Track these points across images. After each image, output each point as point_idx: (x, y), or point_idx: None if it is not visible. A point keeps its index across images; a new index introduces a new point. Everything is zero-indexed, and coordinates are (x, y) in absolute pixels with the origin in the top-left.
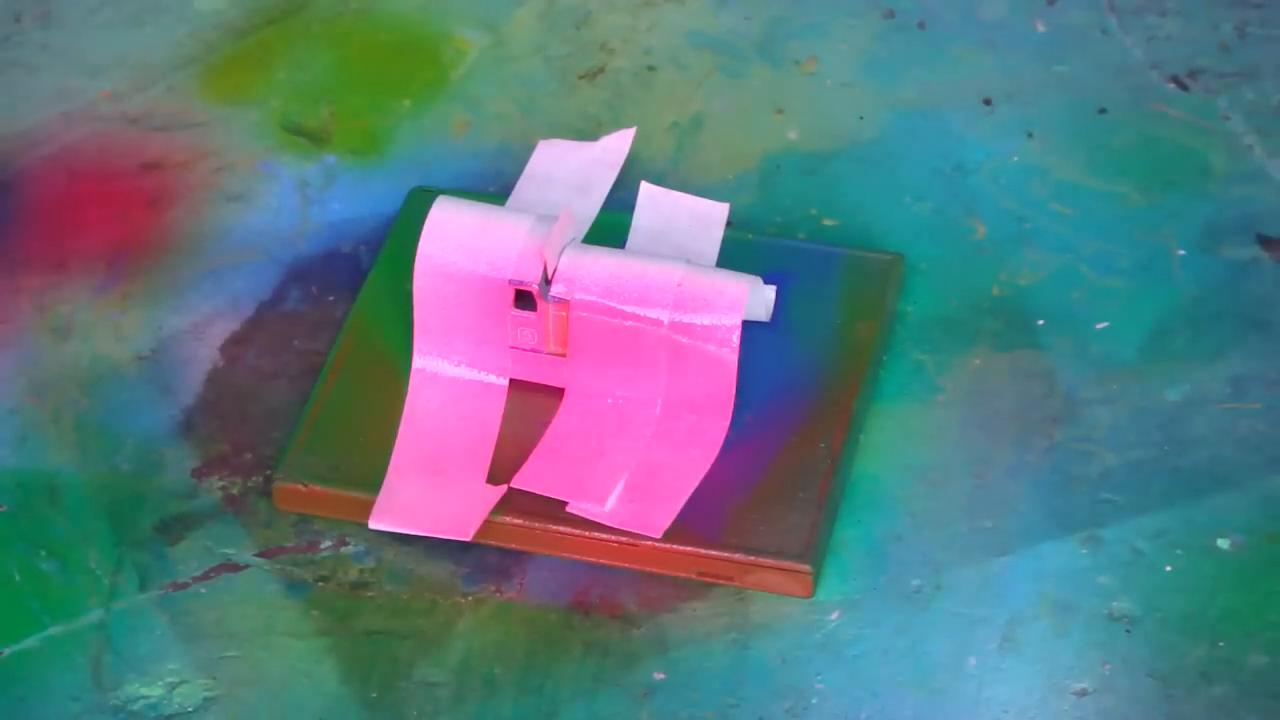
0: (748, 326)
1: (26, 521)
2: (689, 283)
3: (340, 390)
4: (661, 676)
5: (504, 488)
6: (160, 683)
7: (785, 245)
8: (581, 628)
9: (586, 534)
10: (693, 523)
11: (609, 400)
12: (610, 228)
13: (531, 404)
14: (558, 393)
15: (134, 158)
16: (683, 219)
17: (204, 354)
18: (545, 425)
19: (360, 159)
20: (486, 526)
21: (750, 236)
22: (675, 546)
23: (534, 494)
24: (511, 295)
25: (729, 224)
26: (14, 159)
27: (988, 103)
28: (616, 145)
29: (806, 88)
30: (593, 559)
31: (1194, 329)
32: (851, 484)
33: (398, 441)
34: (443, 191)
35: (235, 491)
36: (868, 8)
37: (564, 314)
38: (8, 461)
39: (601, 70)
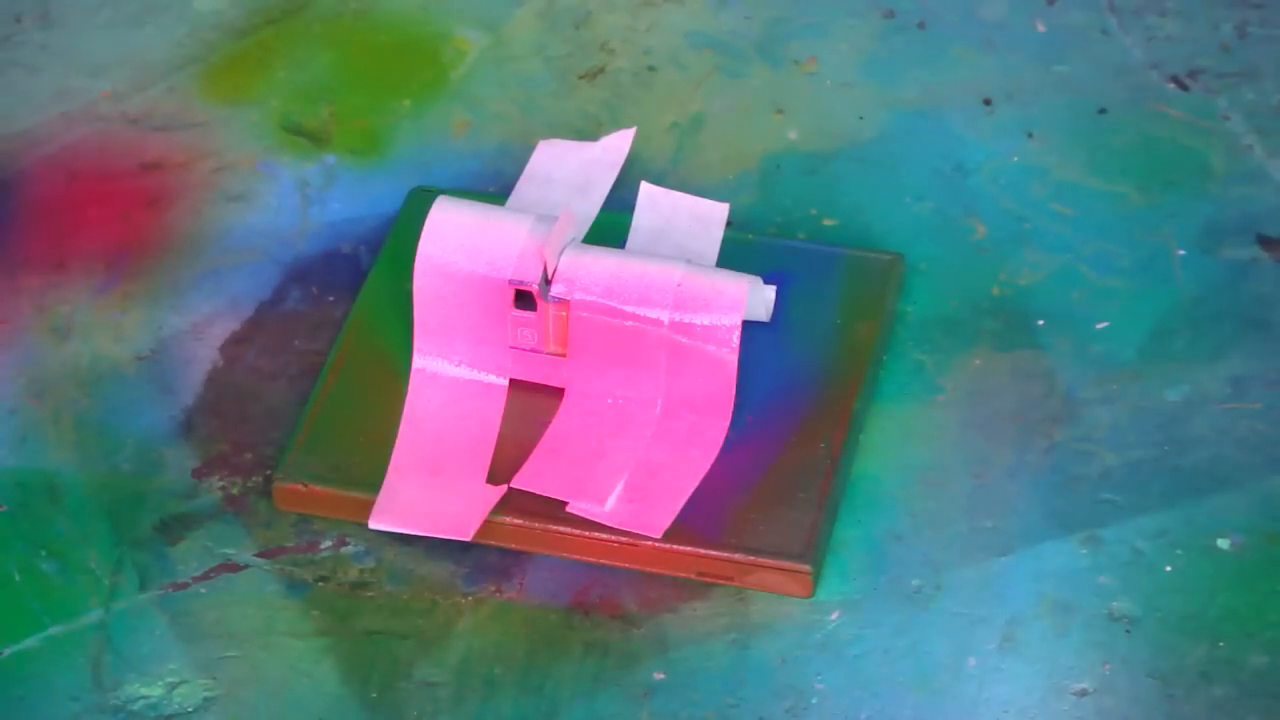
0: (748, 326)
1: (26, 521)
2: (689, 283)
3: (340, 390)
4: (661, 676)
5: (504, 488)
6: (160, 683)
7: (785, 245)
8: (581, 628)
9: (586, 534)
10: (693, 523)
11: (609, 400)
12: (610, 228)
13: (531, 404)
14: (558, 393)
15: (134, 158)
16: (683, 219)
17: (204, 354)
18: (545, 425)
19: (360, 159)
20: (486, 526)
21: (750, 236)
22: (675, 546)
23: (534, 494)
24: (511, 295)
25: (729, 224)
26: (14, 159)
27: (988, 103)
28: (616, 145)
29: (806, 88)
30: (593, 559)
31: (1194, 329)
32: (851, 484)
33: (398, 441)
34: (443, 191)
35: (235, 491)
36: (868, 8)
37: (564, 314)
38: (8, 461)
39: (601, 70)
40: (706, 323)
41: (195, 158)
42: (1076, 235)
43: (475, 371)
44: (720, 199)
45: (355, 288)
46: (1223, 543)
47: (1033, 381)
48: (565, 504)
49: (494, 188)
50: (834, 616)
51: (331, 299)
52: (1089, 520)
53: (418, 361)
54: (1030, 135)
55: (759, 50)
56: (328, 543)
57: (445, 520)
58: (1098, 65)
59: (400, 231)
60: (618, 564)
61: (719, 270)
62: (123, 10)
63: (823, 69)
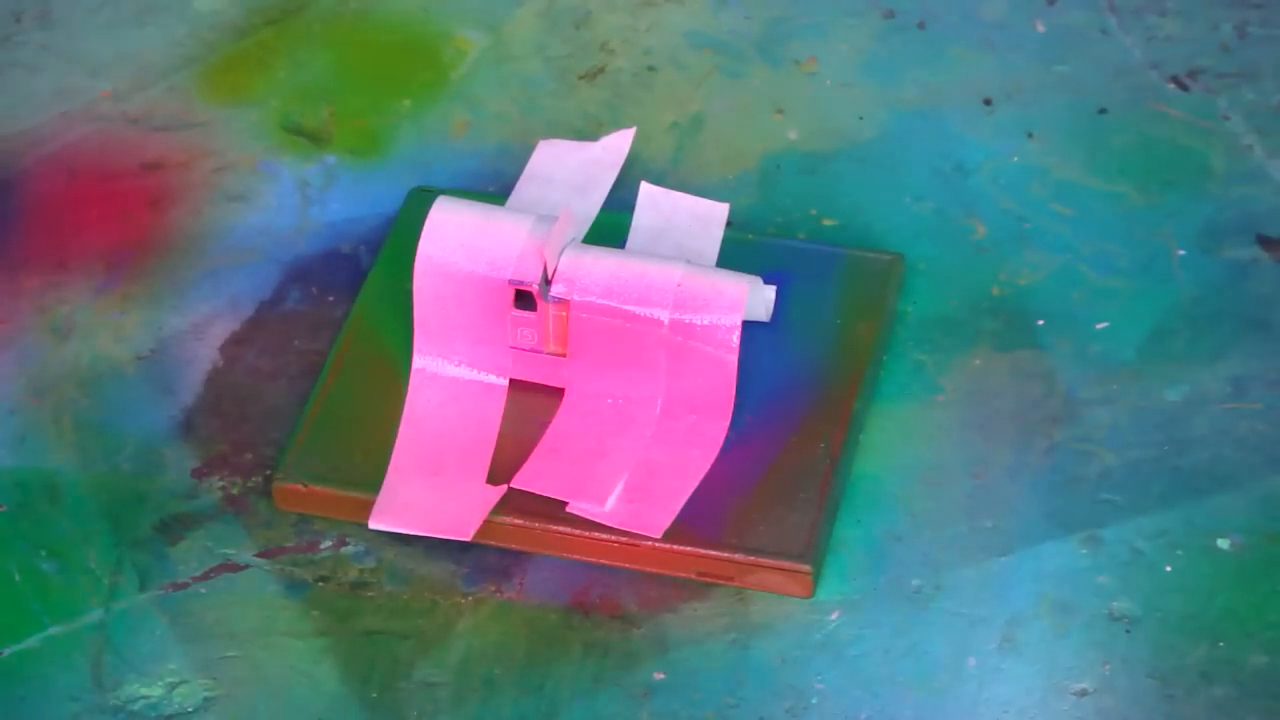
0: (748, 326)
1: (26, 521)
2: (689, 283)
3: (340, 390)
4: (661, 676)
5: (504, 488)
6: (160, 683)
7: (785, 245)
8: (581, 628)
9: (586, 534)
10: (693, 523)
11: (609, 400)
12: (610, 228)
13: (531, 404)
14: (558, 393)
15: (134, 158)
16: (683, 219)
17: (204, 354)
18: (545, 425)
19: (360, 159)
20: (486, 526)
21: (750, 236)
22: (675, 546)
23: (534, 494)
24: (511, 295)
25: (729, 224)
26: (14, 159)
27: (988, 103)
28: (616, 145)
29: (806, 88)
30: (593, 559)
31: (1194, 329)
32: (851, 484)
33: (398, 441)
34: (443, 191)
35: (235, 491)
36: (868, 8)
37: (564, 314)
38: (8, 461)
39: (601, 70)
40: (706, 323)
41: (195, 158)
42: (1076, 235)
43: (475, 371)
44: (720, 199)
45: (355, 288)
46: (1223, 543)
47: (1033, 381)
48: (565, 504)
49: (494, 188)
50: (834, 616)
51: (331, 299)
52: (1089, 520)
53: (418, 361)
54: (1030, 135)
55: (759, 50)
56: (328, 543)
57: (445, 520)
58: (1098, 65)
59: (400, 231)
60: (618, 564)
61: (719, 270)
62: (123, 10)
63: (823, 69)
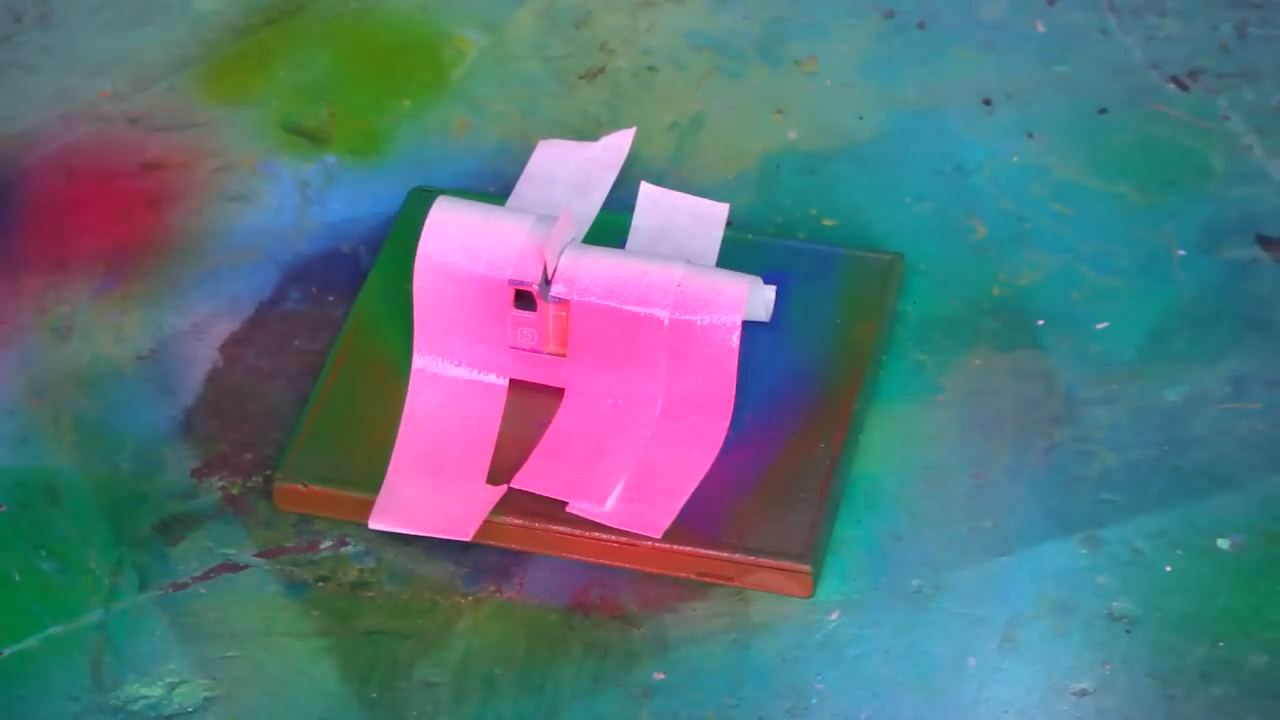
0: (748, 326)
1: (26, 521)
2: (689, 283)
3: (340, 390)
4: (661, 676)
5: (504, 488)
6: (160, 683)
7: (785, 245)
8: (581, 628)
9: (586, 534)
10: (693, 523)
11: (609, 400)
12: (610, 228)
13: (531, 404)
14: (558, 393)
15: (134, 158)
16: (683, 219)
17: (204, 354)
18: (545, 425)
19: (360, 159)
20: (486, 526)
21: (750, 236)
22: (675, 546)
23: (534, 494)
24: (511, 295)
25: (729, 224)
26: (14, 159)
27: (988, 103)
28: (616, 145)
29: (806, 88)
30: (593, 559)
31: (1194, 329)
32: (851, 484)
33: (398, 441)
34: (443, 191)
35: (235, 491)
36: (868, 8)
37: (564, 314)
38: (8, 461)
39: (601, 70)
40: (706, 322)
41: (195, 158)
42: (1076, 235)
43: (475, 371)
44: (720, 199)
45: (355, 288)
46: (1223, 543)
47: (1033, 381)
48: (565, 504)
49: (494, 188)
50: (834, 616)
51: (331, 299)
52: (1089, 520)
53: (418, 361)
54: (1030, 135)
55: (759, 50)
56: (328, 543)
57: (445, 520)
58: (1098, 65)
59: (400, 231)
60: (618, 564)
61: (719, 270)
62: (123, 10)
63: (823, 69)
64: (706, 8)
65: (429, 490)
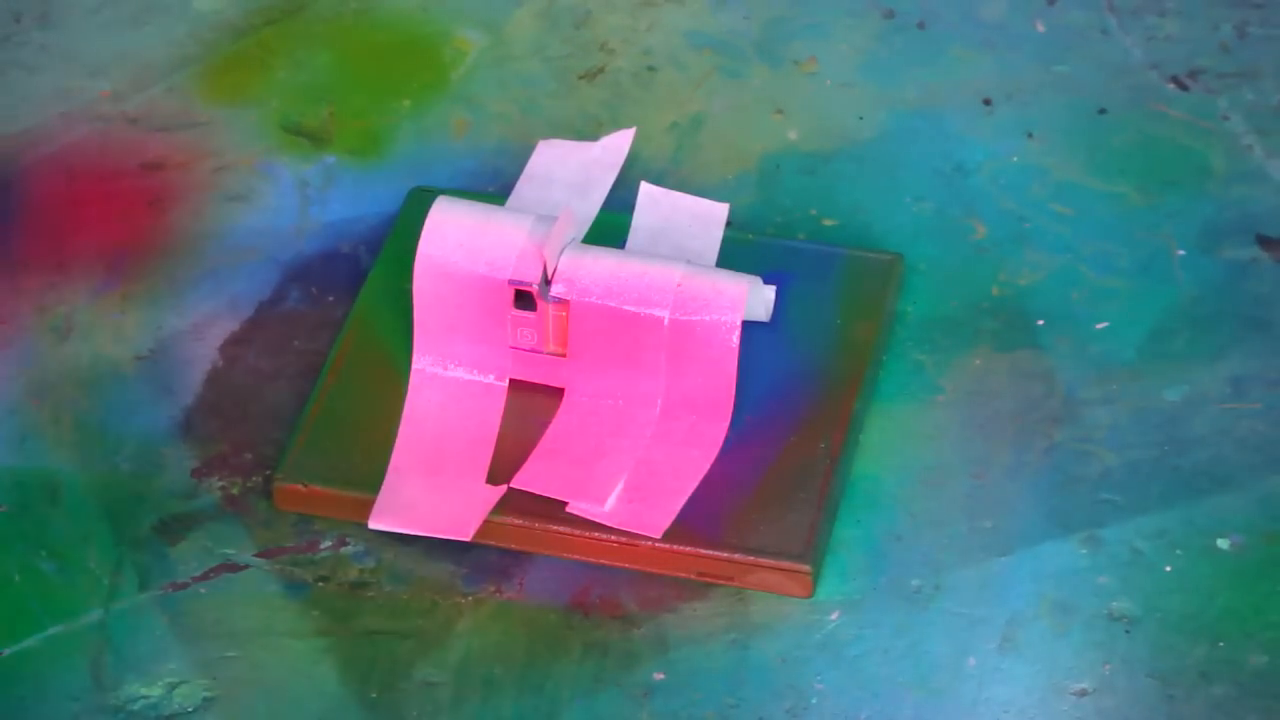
0: (748, 326)
1: (26, 521)
2: (689, 283)
3: (340, 390)
4: (661, 676)
5: (504, 488)
6: (160, 683)
7: (785, 245)
8: (581, 628)
9: (586, 534)
10: (693, 523)
11: (609, 400)
12: (610, 228)
13: (531, 404)
14: (558, 393)
15: (134, 158)
16: (683, 219)
17: (204, 354)
18: (545, 425)
19: (360, 159)
20: (486, 526)
21: (750, 236)
22: (675, 546)
23: (534, 494)
24: (511, 295)
25: (729, 224)
26: (14, 159)
27: (988, 103)
28: (616, 145)
29: (806, 88)
30: (593, 559)
31: (1194, 329)
32: (851, 484)
33: (398, 441)
34: (443, 191)
35: (235, 491)
36: (868, 8)
37: (564, 314)
38: (8, 461)
39: (601, 70)
40: (706, 322)
41: (195, 158)
42: (1076, 235)
43: (475, 372)
44: (720, 199)
45: (355, 288)
46: (1223, 543)
47: (1033, 381)
48: (565, 504)
49: (494, 188)
50: (834, 616)
51: (331, 299)
52: (1089, 520)
53: (418, 362)
54: (1030, 135)
55: (759, 50)
56: (328, 543)
57: (445, 520)
58: (1098, 65)
59: (400, 231)
60: (618, 564)
61: (719, 270)
62: (123, 10)
63: (823, 69)
64: (706, 8)
65: (429, 490)
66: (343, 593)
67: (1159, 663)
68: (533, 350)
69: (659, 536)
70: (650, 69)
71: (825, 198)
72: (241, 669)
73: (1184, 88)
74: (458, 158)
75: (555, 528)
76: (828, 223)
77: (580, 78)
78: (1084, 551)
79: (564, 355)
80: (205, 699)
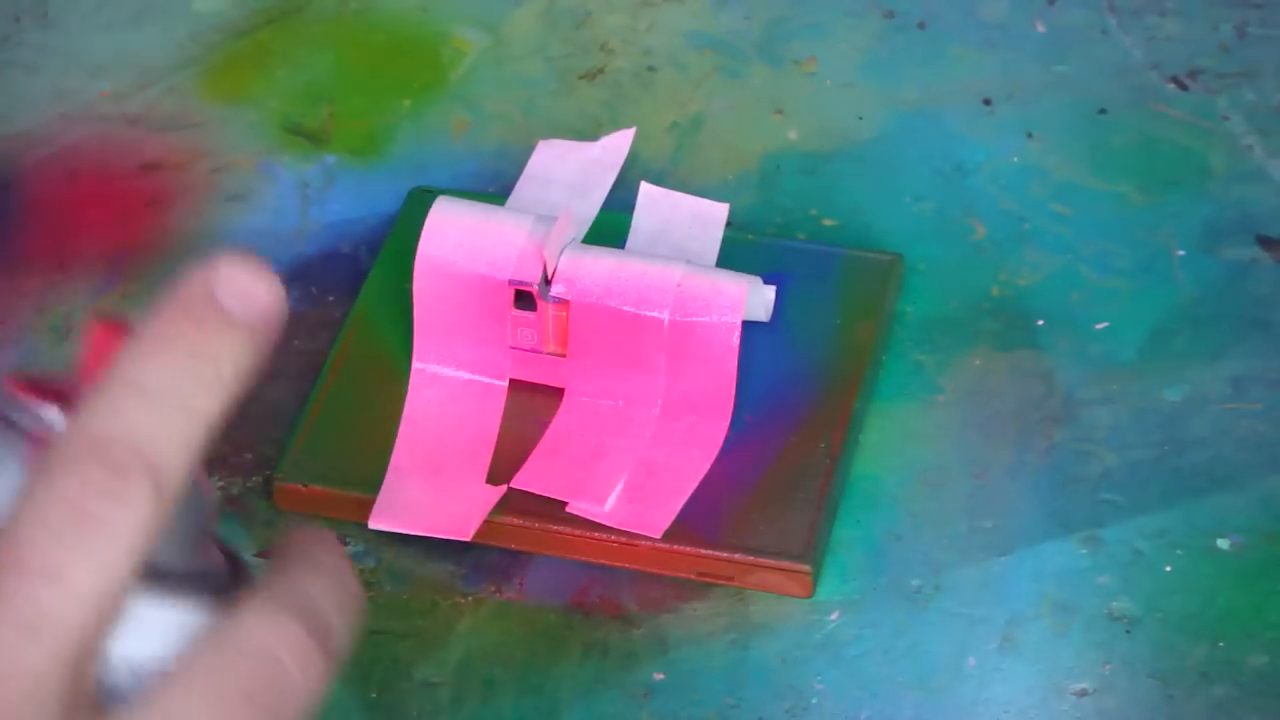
0: (748, 326)
1: None
2: (689, 283)
3: (340, 390)
4: (661, 676)
5: (504, 488)
6: None
7: (785, 245)
8: (581, 628)
9: (586, 534)
10: (693, 523)
11: (609, 400)
12: (610, 228)
13: (531, 404)
14: (558, 393)
15: (134, 158)
16: (683, 219)
17: None
18: (545, 425)
19: (360, 159)
20: (486, 527)
21: (750, 236)
22: (675, 546)
23: (534, 494)
24: (511, 295)
25: (729, 224)
26: (14, 159)
27: (988, 103)
28: (616, 145)
29: (806, 88)
30: (593, 559)
31: (1194, 329)
32: (851, 484)
33: (398, 442)
34: (443, 191)
35: (235, 491)
36: (868, 8)
37: (564, 314)
38: None
39: (601, 70)
40: (706, 323)
41: (195, 158)
42: (1076, 235)
43: (475, 372)
44: (720, 199)
45: (355, 288)
46: (1223, 543)
47: (1033, 381)
48: (565, 504)
49: (494, 188)
50: (834, 616)
51: (331, 299)
52: (1089, 520)
53: (418, 362)
54: (1030, 135)
55: (759, 50)
56: None
57: (445, 520)
58: (1098, 65)
59: (400, 231)
60: (618, 564)
61: (719, 270)
62: (123, 10)
63: (823, 69)
64: (706, 8)
65: (429, 490)
66: None
67: (1159, 663)
68: (533, 350)
69: (659, 536)
70: (650, 69)
71: (825, 198)
72: None
73: (1184, 88)
74: (457, 158)
75: (555, 528)
76: (828, 223)
77: (580, 78)
78: (1084, 551)
79: (564, 355)
80: None
